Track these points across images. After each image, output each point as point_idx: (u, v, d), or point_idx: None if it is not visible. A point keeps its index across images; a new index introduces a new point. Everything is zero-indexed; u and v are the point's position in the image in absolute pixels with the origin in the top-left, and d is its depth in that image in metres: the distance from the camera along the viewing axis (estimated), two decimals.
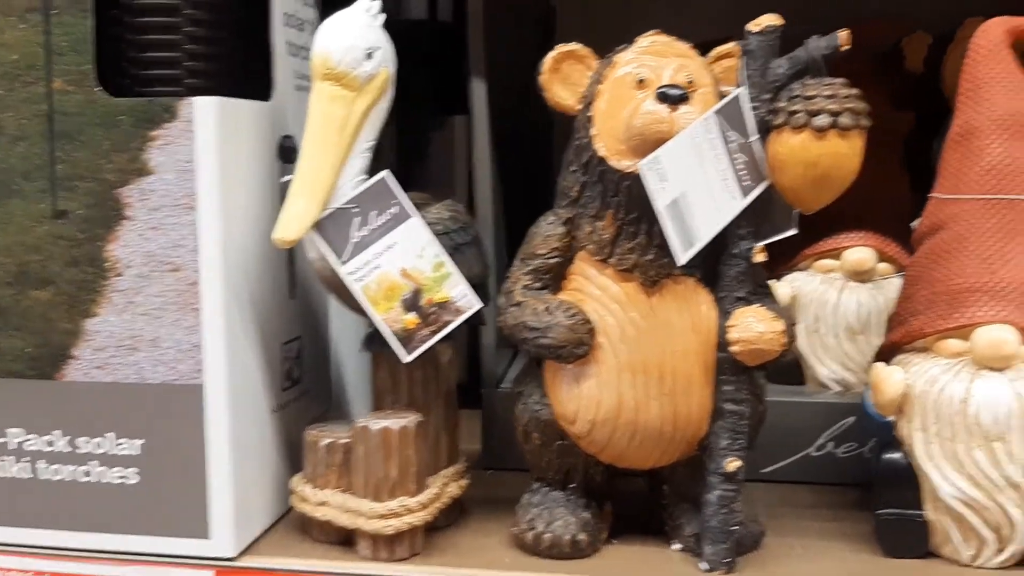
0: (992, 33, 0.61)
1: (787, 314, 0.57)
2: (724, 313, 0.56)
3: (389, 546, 0.59)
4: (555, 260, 0.58)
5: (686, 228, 0.53)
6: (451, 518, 0.65)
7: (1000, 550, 0.57)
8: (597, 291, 0.57)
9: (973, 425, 0.56)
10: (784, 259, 0.78)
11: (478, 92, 0.69)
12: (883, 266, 0.74)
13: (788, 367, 0.77)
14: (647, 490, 0.64)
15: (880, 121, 0.80)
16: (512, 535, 0.61)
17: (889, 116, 0.81)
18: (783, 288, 0.76)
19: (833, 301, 0.74)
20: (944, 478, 0.57)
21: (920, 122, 0.82)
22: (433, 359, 0.63)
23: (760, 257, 0.56)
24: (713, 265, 0.57)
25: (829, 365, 0.75)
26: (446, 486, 0.63)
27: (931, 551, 0.60)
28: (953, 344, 0.59)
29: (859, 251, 0.74)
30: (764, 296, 0.58)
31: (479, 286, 0.64)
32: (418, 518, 0.59)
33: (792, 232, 0.60)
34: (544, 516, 0.60)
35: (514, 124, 0.79)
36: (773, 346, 0.55)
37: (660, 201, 0.52)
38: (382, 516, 0.58)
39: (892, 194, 0.77)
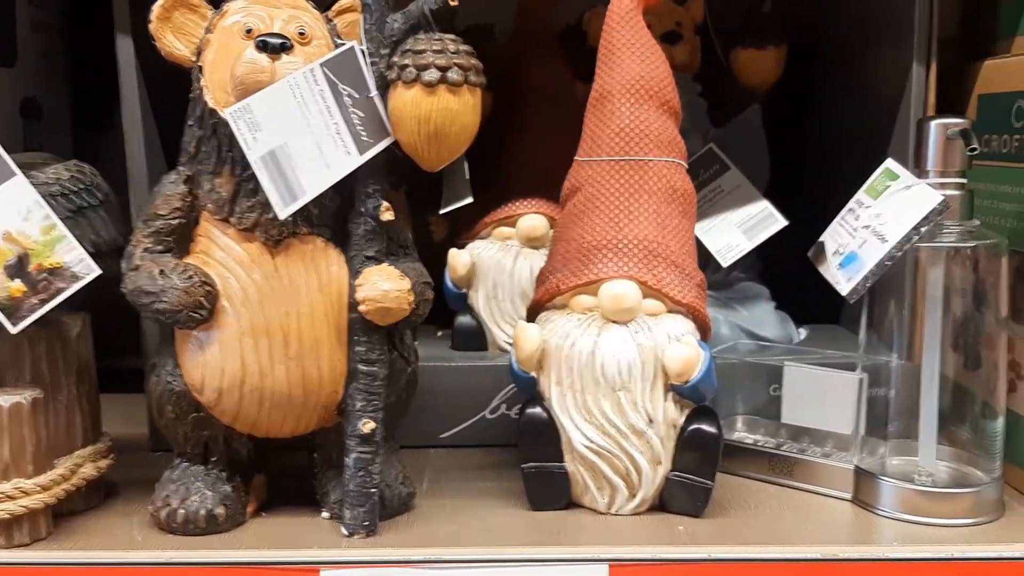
0: (624, 1, 0.63)
1: (418, 273, 0.57)
2: (354, 273, 0.56)
3: (6, 531, 0.54)
4: (177, 221, 0.55)
5: (288, 182, 0.52)
6: (92, 501, 0.61)
7: (632, 496, 0.60)
8: (221, 252, 0.55)
9: (600, 376, 0.58)
10: (467, 228, 0.79)
11: (124, 49, 0.65)
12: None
13: (472, 334, 0.77)
14: (305, 461, 0.63)
15: (560, 92, 0.83)
16: (149, 514, 0.58)
17: (569, 87, 0.83)
18: (463, 257, 0.77)
19: (509, 267, 0.76)
20: (577, 428, 0.59)
21: None
22: (59, 332, 0.59)
23: (388, 215, 0.56)
24: (344, 225, 0.56)
25: (507, 330, 0.76)
26: (79, 467, 0.59)
27: (573, 502, 0.61)
28: (585, 300, 0.60)
29: (532, 218, 0.76)
30: (401, 257, 0.58)
31: (114, 252, 0.60)
32: (36, 501, 0.55)
33: (469, 200, 0.61)
34: (180, 492, 0.58)
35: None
36: (400, 304, 0.55)
37: (253, 152, 0.50)
38: None
39: (569, 163, 0.79)
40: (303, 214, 0.54)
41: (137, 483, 0.65)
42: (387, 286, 0.55)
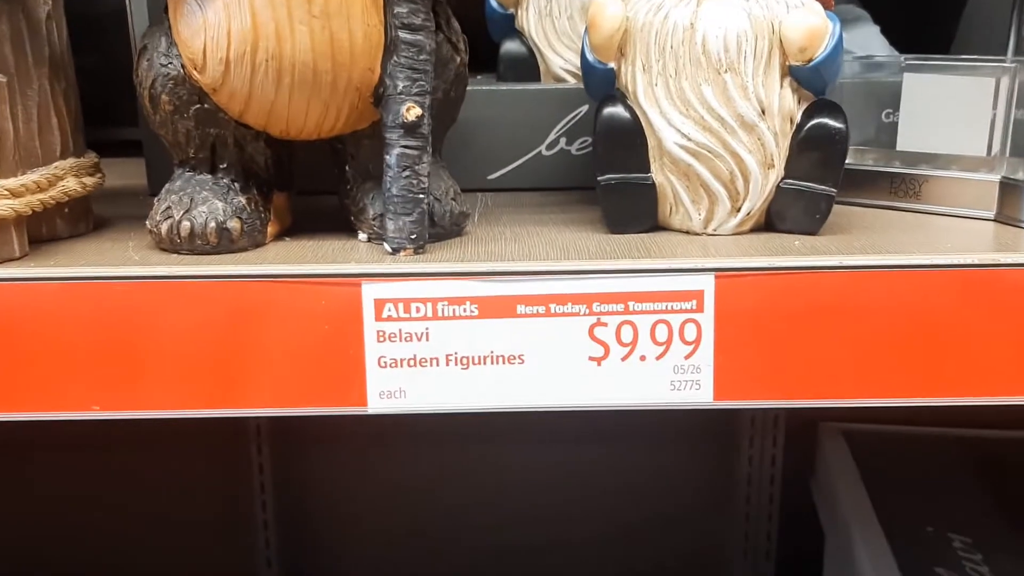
0: None
1: None
2: None
3: None
4: None
5: None
6: (79, 228, 0.51)
7: (735, 209, 0.49)
8: None
9: (701, 55, 0.47)
10: None
11: None
12: None
13: (522, 62, 0.65)
14: (334, 185, 0.52)
15: None
16: (147, 231, 0.48)
17: None
18: None
19: None
20: (669, 124, 0.48)
21: None
22: (24, 9, 0.47)
23: None
24: None
25: (563, 54, 0.64)
26: (59, 180, 0.48)
27: (659, 224, 0.51)
28: None
29: None
30: None
31: None
32: (3, 207, 0.44)
33: None
34: (184, 202, 0.47)
35: None
36: None
37: None
38: None
39: None
40: None
41: (133, 218, 0.54)
42: None
